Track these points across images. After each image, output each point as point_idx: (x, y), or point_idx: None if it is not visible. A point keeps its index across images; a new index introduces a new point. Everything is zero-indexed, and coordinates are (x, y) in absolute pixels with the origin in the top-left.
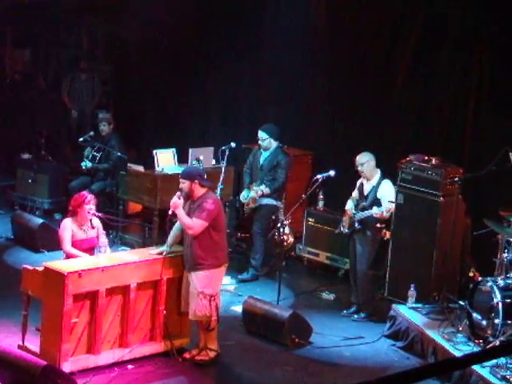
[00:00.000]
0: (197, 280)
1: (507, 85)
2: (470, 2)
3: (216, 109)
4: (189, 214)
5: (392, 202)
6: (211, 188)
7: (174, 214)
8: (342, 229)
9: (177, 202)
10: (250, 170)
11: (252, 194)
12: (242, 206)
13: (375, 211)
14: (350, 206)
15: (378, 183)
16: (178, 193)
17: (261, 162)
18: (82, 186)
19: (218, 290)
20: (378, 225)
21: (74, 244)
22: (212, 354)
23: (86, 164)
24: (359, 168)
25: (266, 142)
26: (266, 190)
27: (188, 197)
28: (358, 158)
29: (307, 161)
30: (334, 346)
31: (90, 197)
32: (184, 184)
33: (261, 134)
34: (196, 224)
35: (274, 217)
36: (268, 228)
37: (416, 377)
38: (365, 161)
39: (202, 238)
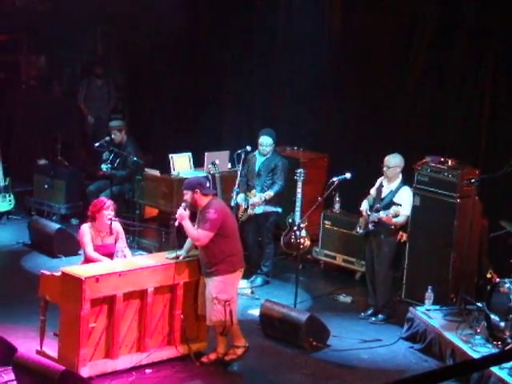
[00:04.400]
0: (212, 286)
1: None
2: (484, 3)
3: (231, 112)
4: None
5: (399, 205)
6: (215, 195)
7: (181, 225)
8: (358, 229)
9: (183, 213)
10: (246, 178)
11: (254, 199)
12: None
13: (381, 214)
14: (365, 206)
15: (398, 188)
16: (184, 204)
17: (257, 167)
18: (100, 190)
19: (234, 295)
20: (393, 227)
21: None
22: (240, 351)
23: (107, 167)
24: (385, 169)
25: (271, 147)
26: (269, 194)
27: (192, 207)
28: (388, 158)
29: (323, 163)
30: (352, 348)
31: (108, 202)
32: (187, 195)
33: (267, 140)
34: (201, 235)
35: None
36: (275, 234)
37: (434, 379)
38: (393, 165)
39: (212, 247)
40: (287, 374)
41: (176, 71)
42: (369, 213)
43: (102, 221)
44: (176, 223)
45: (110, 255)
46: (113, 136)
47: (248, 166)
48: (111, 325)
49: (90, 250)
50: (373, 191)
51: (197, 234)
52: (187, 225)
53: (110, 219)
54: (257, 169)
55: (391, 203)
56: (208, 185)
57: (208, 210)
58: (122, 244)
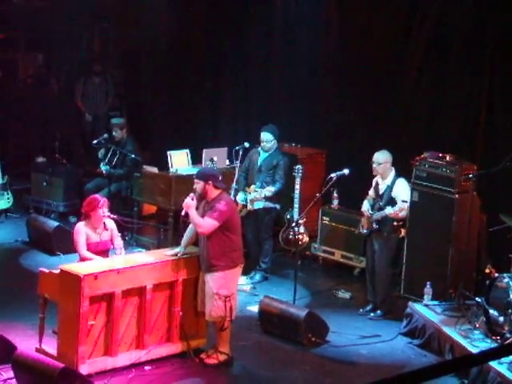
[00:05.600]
0: (212, 281)
1: None
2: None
3: (228, 109)
4: (203, 216)
5: (405, 201)
6: (225, 189)
7: (187, 215)
8: (361, 229)
9: (189, 202)
10: (246, 173)
11: (254, 195)
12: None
13: (389, 211)
14: (366, 207)
15: (393, 182)
16: (192, 194)
17: (259, 164)
18: (98, 187)
19: (234, 291)
20: (395, 223)
21: (88, 247)
22: (222, 358)
23: (106, 168)
24: (374, 165)
25: (271, 143)
26: (270, 189)
27: (201, 197)
28: (376, 155)
29: (321, 160)
30: (351, 344)
31: (102, 200)
32: (198, 184)
33: (267, 136)
34: (206, 223)
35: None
36: (274, 230)
37: (433, 374)
38: (382, 161)
39: (216, 240)
40: (286, 370)
41: (173, 68)
42: (371, 212)
43: (96, 218)
44: (183, 212)
45: (107, 251)
46: (114, 133)
47: (250, 161)
48: (110, 322)
49: (82, 249)
50: (371, 192)
51: (202, 221)
52: (193, 213)
53: (107, 216)
54: (258, 164)
55: (391, 198)
56: (221, 178)
57: (219, 202)
58: (119, 241)
